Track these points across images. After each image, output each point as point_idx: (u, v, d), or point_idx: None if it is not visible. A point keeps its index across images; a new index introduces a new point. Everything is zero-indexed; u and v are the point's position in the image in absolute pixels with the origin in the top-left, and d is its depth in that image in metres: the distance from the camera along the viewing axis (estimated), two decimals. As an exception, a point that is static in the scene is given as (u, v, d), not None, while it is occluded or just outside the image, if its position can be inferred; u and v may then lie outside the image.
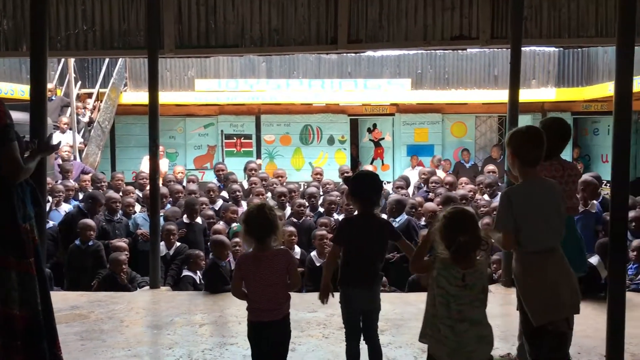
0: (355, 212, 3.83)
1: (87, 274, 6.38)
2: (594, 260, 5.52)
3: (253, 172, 9.45)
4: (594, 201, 5.99)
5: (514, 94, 6.08)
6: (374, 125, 15.04)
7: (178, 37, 6.51)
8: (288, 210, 7.57)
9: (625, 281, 4.03)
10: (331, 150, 14.44)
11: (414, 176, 10.54)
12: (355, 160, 14.67)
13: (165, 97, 12.92)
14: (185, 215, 7.17)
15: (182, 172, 9.96)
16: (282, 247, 3.49)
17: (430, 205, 7.31)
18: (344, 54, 12.91)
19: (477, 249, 2.96)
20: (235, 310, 5.33)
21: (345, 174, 9.13)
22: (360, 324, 3.70)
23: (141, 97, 11.54)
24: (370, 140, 15.14)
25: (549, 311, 3.19)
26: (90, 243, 6.49)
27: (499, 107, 13.09)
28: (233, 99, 13.52)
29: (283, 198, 7.66)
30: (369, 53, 12.70)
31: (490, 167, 9.87)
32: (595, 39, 6.26)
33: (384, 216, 7.17)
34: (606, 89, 11.62)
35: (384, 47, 6.67)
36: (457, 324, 2.91)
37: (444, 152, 14.41)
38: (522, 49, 6.26)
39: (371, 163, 14.42)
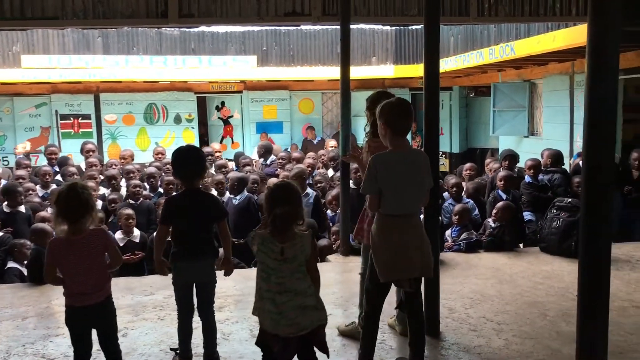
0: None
1: None
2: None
3: (90, 153, 9.04)
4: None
5: (345, 71, 6.33)
6: (222, 103, 14.87)
7: (-14, 7, 5.88)
8: (124, 191, 7.31)
9: (438, 244, 4.37)
10: (178, 130, 14.06)
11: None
12: (203, 139, 14.41)
13: (-13, 75, 11.79)
14: (5, 203, 6.56)
15: None
16: (97, 227, 3.34)
17: (273, 180, 7.38)
18: (186, 30, 12.56)
19: (295, 222, 3.02)
20: (64, 300, 5.00)
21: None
22: (194, 299, 3.68)
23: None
24: (219, 118, 14.96)
25: (395, 270, 3.41)
26: None
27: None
28: (67, 77, 12.57)
29: (114, 181, 7.38)
30: (210, 29, 12.44)
31: (332, 142, 10.24)
32: (416, 18, 6.64)
33: (227, 194, 7.18)
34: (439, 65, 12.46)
35: (217, 22, 6.52)
36: (276, 295, 2.97)
37: (293, 129, 14.65)
38: (362, 27, 6.48)
39: (221, 142, 14.22)
